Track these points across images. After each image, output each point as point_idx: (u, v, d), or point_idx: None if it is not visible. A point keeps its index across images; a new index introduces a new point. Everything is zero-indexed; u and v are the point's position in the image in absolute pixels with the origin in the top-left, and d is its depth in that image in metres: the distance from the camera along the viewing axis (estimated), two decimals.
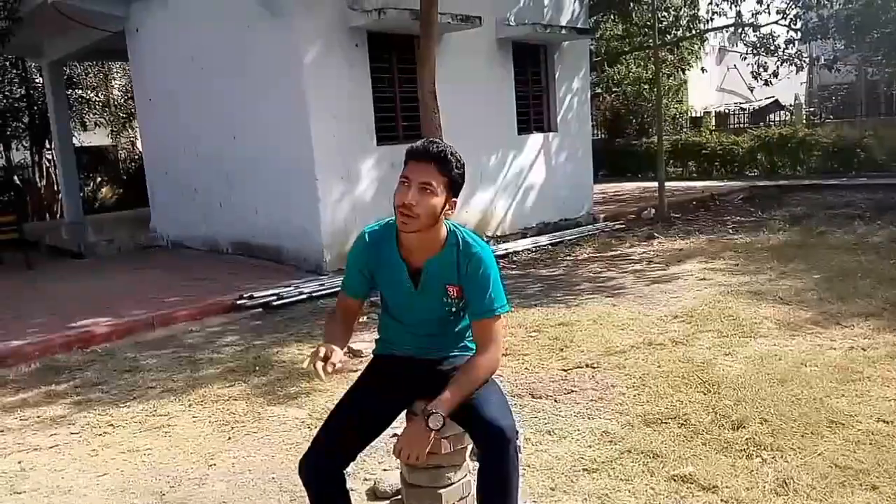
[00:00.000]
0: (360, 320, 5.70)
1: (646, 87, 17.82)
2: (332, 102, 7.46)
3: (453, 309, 2.20)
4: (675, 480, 2.81)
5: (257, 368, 4.77)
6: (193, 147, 9.38)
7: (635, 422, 3.44)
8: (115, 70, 18.85)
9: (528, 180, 9.72)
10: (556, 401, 3.84)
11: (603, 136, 19.78)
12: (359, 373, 2.39)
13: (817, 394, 3.55)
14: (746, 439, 3.10)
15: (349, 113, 7.60)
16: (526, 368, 4.40)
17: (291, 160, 7.69)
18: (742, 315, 5.11)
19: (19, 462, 3.58)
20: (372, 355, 2.37)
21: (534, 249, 8.74)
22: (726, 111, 19.98)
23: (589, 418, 3.56)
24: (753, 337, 4.61)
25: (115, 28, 9.96)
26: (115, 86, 19.34)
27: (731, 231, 9.16)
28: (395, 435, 2.39)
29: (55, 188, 16.18)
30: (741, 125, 18.36)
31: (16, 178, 16.98)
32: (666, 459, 3.00)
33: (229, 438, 3.71)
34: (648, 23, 11.70)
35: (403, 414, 2.31)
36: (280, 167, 7.88)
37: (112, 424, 4.01)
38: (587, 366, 4.34)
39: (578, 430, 3.43)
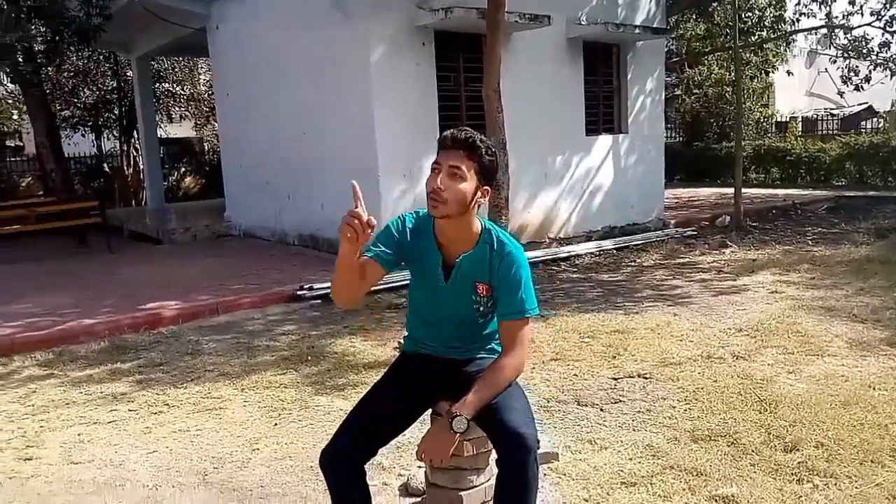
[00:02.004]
0: (379, 320, 5.75)
1: (728, 89, 17.17)
2: (397, 101, 7.53)
3: (481, 308, 2.16)
4: (715, 500, 2.68)
5: (309, 358, 4.86)
6: (266, 141, 9.66)
7: (682, 437, 3.30)
8: (200, 65, 19.63)
9: (594, 182, 9.53)
10: (601, 409, 3.73)
11: (681, 139, 19.22)
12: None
13: (882, 419, 3.32)
14: (799, 463, 2.93)
15: (414, 111, 7.65)
16: (575, 375, 4.30)
17: (355, 157, 7.81)
18: (811, 331, 4.84)
19: (79, 434, 3.77)
20: (399, 352, 2.37)
21: (597, 253, 8.56)
22: (815, 116, 19.03)
23: (634, 430, 3.45)
24: (821, 355, 4.36)
25: (197, 25, 10.38)
26: (201, 80, 20.16)
27: (810, 242, 8.70)
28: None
29: (141, 176, 17.02)
30: (830, 131, 17.45)
31: (105, 165, 17.96)
32: (709, 478, 2.87)
33: (275, 424, 3.79)
34: (731, 23, 11.23)
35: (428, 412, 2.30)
36: (345, 163, 8.01)
37: (168, 404, 4.17)
38: (639, 376, 4.20)
39: (621, 441, 3.32)
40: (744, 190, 10.59)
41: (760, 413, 3.50)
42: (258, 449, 3.50)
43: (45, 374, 4.83)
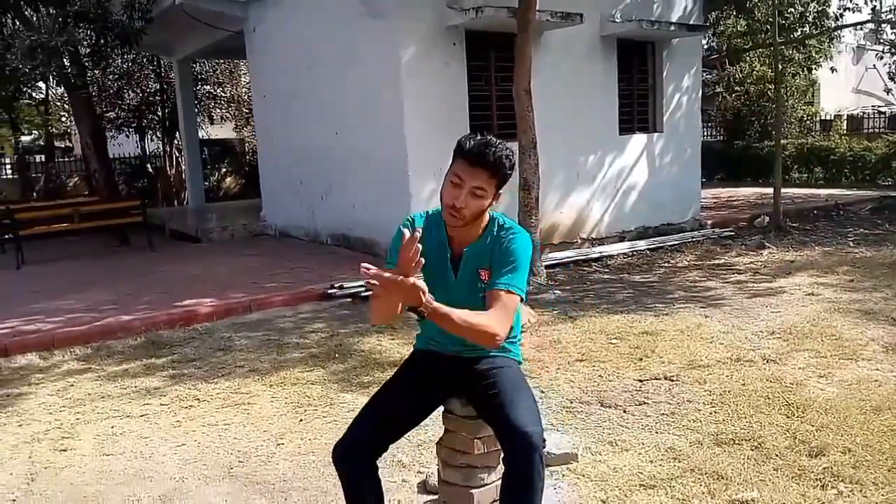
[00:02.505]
0: (407, 319, 5.75)
1: (770, 86, 16.76)
2: (428, 100, 7.56)
3: (485, 295, 2.16)
4: None
5: (337, 356, 4.92)
6: (300, 142, 9.80)
7: (706, 440, 3.26)
8: (241, 67, 20.00)
9: (628, 182, 9.42)
10: (625, 411, 3.70)
11: (722, 137, 18.86)
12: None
13: None
14: (824, 468, 2.86)
15: (444, 111, 7.68)
16: (599, 375, 4.27)
17: (386, 157, 7.87)
18: (846, 335, 4.71)
19: (112, 427, 3.89)
20: (412, 349, 2.39)
21: (630, 254, 8.47)
22: (861, 114, 18.46)
23: (656, 432, 3.41)
24: (854, 359, 4.25)
25: (235, 28, 10.58)
26: (241, 82, 20.54)
27: (851, 244, 8.46)
28: (447, 430, 2.37)
29: (183, 177, 17.42)
30: (876, 130, 16.90)
31: (149, 166, 18.42)
32: (730, 482, 2.83)
33: (301, 420, 3.85)
34: (771, 19, 10.97)
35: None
36: (376, 163, 8.09)
37: (198, 399, 4.27)
38: (665, 378, 4.15)
39: (643, 443, 3.29)
40: (785, 190, 10.34)
41: (787, 417, 3.43)
42: (283, 444, 3.56)
43: (82, 369, 4.99)
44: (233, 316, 6.20)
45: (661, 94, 9.61)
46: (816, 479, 2.79)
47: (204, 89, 18.36)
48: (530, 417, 1.99)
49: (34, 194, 16.52)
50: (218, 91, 19.37)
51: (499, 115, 8.11)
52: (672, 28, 9.20)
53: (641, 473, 2.98)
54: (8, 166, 19.89)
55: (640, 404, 3.79)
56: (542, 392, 4.02)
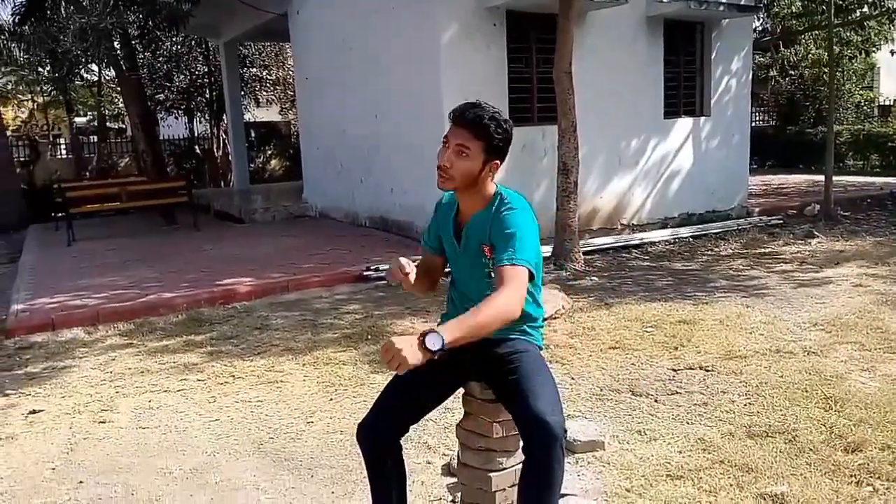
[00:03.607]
0: (443, 301, 5.74)
1: (826, 70, 16.13)
2: (467, 83, 7.49)
3: (491, 273, 2.11)
4: (763, 498, 2.58)
5: (369, 337, 4.96)
6: (340, 125, 9.85)
7: (737, 432, 3.18)
8: (287, 50, 20.17)
9: (672, 167, 9.20)
10: (656, 401, 3.64)
11: (774, 122, 18.26)
12: None
13: None
14: (860, 465, 2.76)
15: (482, 93, 7.47)
16: (632, 364, 4.20)
17: (423, 141, 7.83)
18: (893, 328, 4.53)
19: (149, 401, 4.00)
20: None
21: (672, 241, 8.29)
22: None
23: (687, 423, 3.34)
24: None
25: (279, 10, 10.66)
26: (288, 65, 20.73)
27: None
28: (466, 413, 2.37)
29: (229, 158, 17.73)
30: None
31: (197, 147, 18.79)
32: (760, 475, 2.75)
33: (331, 399, 3.90)
34: None
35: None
36: (413, 147, 8.06)
37: (234, 375, 4.36)
38: (700, 368, 4.07)
39: (672, 433, 3.23)
40: (838, 177, 9.97)
41: (825, 411, 3.32)
42: (312, 422, 3.61)
43: (124, 344, 5.15)
44: (271, 295, 6.30)
45: (710, 77, 9.33)
46: (851, 476, 2.70)
47: (250, 72, 18.57)
48: (550, 406, 1.95)
49: (87, 174, 17.03)
50: (264, 74, 19.57)
51: (539, 98, 8.00)
52: (722, 8, 8.90)
53: (669, 463, 2.93)
54: (63, 146, 20.55)
55: (672, 394, 3.72)
56: (573, 379, 3.99)
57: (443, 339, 1.77)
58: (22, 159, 16.68)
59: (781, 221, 9.30)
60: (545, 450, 1.91)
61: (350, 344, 4.84)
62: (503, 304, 1.91)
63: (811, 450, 2.93)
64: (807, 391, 3.58)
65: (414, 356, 1.75)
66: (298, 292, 6.40)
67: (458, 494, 2.38)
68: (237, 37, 13.75)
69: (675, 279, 6.49)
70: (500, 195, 2.16)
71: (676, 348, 4.43)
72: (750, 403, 3.51)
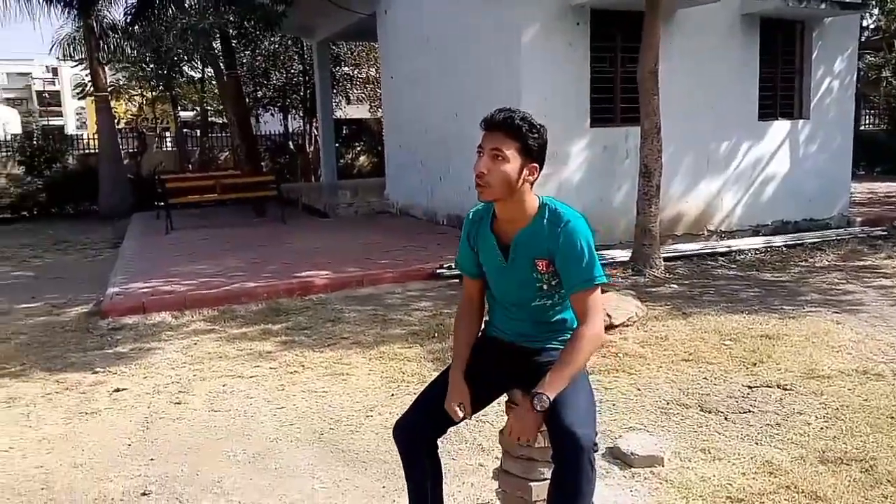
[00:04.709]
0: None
1: None
2: (547, 83, 7.40)
3: (544, 287, 2.10)
4: None
5: (436, 335, 4.99)
6: (422, 123, 9.95)
7: (809, 457, 2.99)
8: (376, 49, 20.58)
9: (766, 172, 8.76)
10: (726, 418, 3.48)
11: (885, 126, 17.08)
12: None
13: None
14: None
15: (564, 93, 7.48)
16: (705, 378, 4.03)
17: None
18: None
19: (223, 385, 4.19)
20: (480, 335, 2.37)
21: (763, 250, 7.89)
22: None
23: (756, 443, 3.18)
24: None
25: (368, 10, 10.89)
26: (378, 64, 21.15)
27: None
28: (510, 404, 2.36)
29: (320, 154, 18.30)
30: None
31: (290, 143, 19.49)
32: None
33: (392, 395, 3.96)
34: None
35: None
36: None
37: (303, 365, 4.50)
38: (778, 386, 3.86)
39: (739, 454, 3.08)
40: None
41: None
42: (371, 416, 3.68)
43: (207, 329, 5.41)
44: (346, 289, 6.45)
45: (809, 78, 8.82)
46: None
47: (342, 70, 19.06)
48: (582, 418, 1.92)
49: (189, 166, 18.02)
50: (355, 72, 20.05)
51: (622, 99, 7.79)
52: (824, 6, 8.38)
53: (731, 485, 2.80)
54: (169, 139, 21.82)
55: (744, 412, 3.54)
56: (638, 390, 3.87)
57: (548, 399, 1.96)
58: (130, 150, 17.82)
59: (885, 233, 8.68)
60: (572, 462, 1.90)
61: (417, 341, 4.89)
62: (595, 336, 2.02)
63: (889, 481, 2.72)
64: (892, 417, 3.33)
65: (533, 426, 2.00)
66: (372, 287, 6.52)
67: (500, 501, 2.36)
68: (329, 36, 14.15)
69: (763, 290, 6.18)
70: (548, 206, 2.09)
71: (755, 364, 4.22)
72: (827, 427, 3.29)
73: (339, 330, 5.25)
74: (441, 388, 2.20)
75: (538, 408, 1.95)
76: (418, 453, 2.17)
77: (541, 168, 2.09)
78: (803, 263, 7.32)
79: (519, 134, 2.02)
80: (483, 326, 2.34)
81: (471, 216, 2.26)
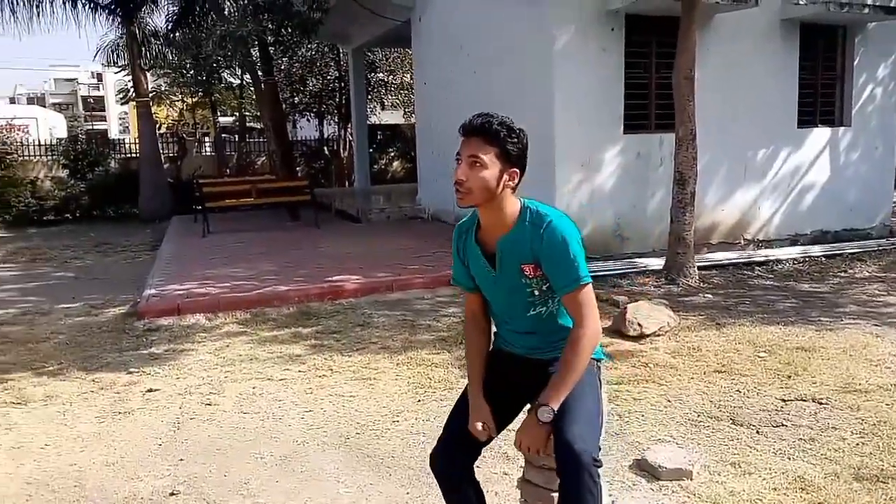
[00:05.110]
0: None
1: None
2: (581, 88, 7.35)
3: (535, 291, 2.07)
4: None
5: (464, 341, 4.98)
6: (455, 129, 9.86)
7: (844, 473, 2.91)
8: (411, 55, 20.70)
9: (805, 180, 8.56)
10: (758, 432, 3.41)
11: None
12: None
13: None
14: None
15: (597, 99, 7.42)
16: (738, 390, 3.96)
17: (533, 146, 7.77)
18: None
19: (253, 388, 4.25)
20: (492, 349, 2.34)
21: (801, 260, 7.72)
22: None
23: (789, 458, 3.10)
24: None
25: (403, 18, 10.97)
26: (412, 70, 21.28)
27: None
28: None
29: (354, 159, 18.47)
30: None
31: (325, 149, 19.71)
32: None
33: (419, 400, 3.96)
34: None
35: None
36: None
37: (332, 369, 4.54)
38: (813, 400, 3.77)
39: (770, 468, 3.01)
40: None
41: None
42: (398, 421, 3.69)
43: (239, 332, 5.49)
44: (375, 294, 6.48)
45: (851, 85, 8.60)
46: None
47: (376, 77, 19.21)
48: (583, 431, 1.90)
49: (227, 170, 18.34)
50: (389, 78, 20.19)
51: (657, 105, 7.69)
52: (867, 10, 8.17)
53: (761, 501, 2.74)
54: (208, 144, 22.26)
55: (777, 426, 3.47)
56: (668, 401, 3.81)
57: (552, 410, 1.95)
58: (170, 155, 18.21)
59: None
60: (571, 476, 1.89)
61: (444, 347, 4.90)
62: (592, 335, 1.99)
63: None
64: None
65: (541, 437, 1.99)
66: (402, 292, 6.55)
67: None
68: (364, 43, 14.28)
69: (800, 301, 6.04)
70: (529, 209, 2.06)
71: (790, 377, 4.13)
72: (863, 443, 3.20)
73: (367, 335, 5.28)
74: (463, 412, 2.17)
75: (542, 420, 1.95)
76: (458, 482, 2.15)
77: (522, 173, 2.05)
78: (842, 274, 7.14)
79: (497, 139, 2.00)
80: (493, 338, 2.32)
81: (461, 226, 2.23)
